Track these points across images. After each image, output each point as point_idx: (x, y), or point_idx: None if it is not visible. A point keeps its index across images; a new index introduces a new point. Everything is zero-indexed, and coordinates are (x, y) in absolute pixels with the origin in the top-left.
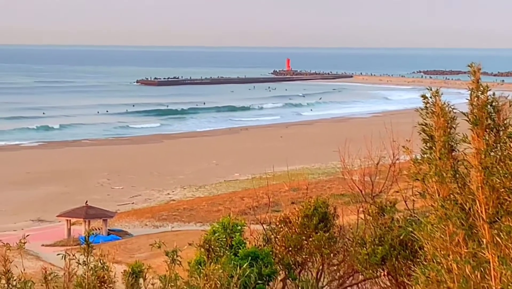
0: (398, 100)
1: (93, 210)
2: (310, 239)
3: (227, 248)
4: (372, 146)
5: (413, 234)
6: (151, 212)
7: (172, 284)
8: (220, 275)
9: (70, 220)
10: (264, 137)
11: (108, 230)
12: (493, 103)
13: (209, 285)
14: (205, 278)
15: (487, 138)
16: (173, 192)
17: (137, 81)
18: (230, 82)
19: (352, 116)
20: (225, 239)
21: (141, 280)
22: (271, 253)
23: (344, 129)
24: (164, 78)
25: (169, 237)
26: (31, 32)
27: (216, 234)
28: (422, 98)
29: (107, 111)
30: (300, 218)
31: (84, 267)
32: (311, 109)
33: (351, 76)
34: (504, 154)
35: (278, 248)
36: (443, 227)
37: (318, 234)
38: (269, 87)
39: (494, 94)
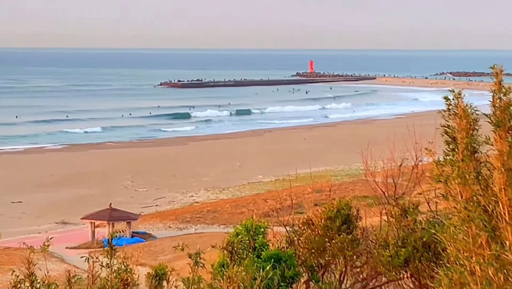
0: (421, 102)
1: (117, 212)
2: (333, 241)
3: (250, 250)
4: (395, 148)
5: (436, 236)
6: (174, 214)
7: (196, 286)
8: (243, 277)
9: (94, 222)
10: (288, 140)
11: (132, 232)
12: None
13: (232, 287)
14: (228, 280)
15: (509, 140)
16: (196, 194)
17: (161, 84)
18: (254, 84)
19: (375, 118)
20: (248, 241)
21: (164, 283)
22: (294, 255)
23: (367, 131)
24: (188, 81)
25: (192, 239)
26: (56, 35)
27: (239, 236)
28: (445, 100)
29: (130, 114)
30: (323, 220)
31: (108, 269)
32: (336, 109)
33: (374, 78)
34: None
35: (301, 250)
36: (466, 229)
37: (341, 236)
38: (293, 88)
39: None
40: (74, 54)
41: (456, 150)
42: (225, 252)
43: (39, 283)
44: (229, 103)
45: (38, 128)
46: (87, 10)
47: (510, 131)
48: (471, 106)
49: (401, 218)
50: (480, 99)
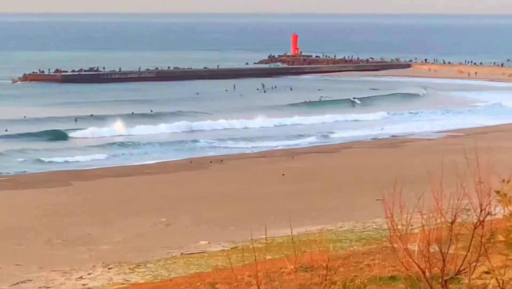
0: (490, 107)
1: None
2: None
3: None
4: (443, 191)
5: None
6: None
7: None
8: None
9: None
10: (253, 175)
11: None
12: None
13: None
14: None
15: None
16: (89, 274)
17: (25, 77)
18: (192, 78)
19: (409, 136)
20: None
21: None
22: None
23: (395, 160)
24: (74, 71)
25: None
26: None
27: None
28: None
29: None
30: None
31: None
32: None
33: (408, 66)
34: None
35: None
36: None
37: None
38: (262, 85)
39: None
40: None
41: None
42: None
43: None
44: (151, 111)
45: None
46: None
47: None
48: None
49: None
50: None
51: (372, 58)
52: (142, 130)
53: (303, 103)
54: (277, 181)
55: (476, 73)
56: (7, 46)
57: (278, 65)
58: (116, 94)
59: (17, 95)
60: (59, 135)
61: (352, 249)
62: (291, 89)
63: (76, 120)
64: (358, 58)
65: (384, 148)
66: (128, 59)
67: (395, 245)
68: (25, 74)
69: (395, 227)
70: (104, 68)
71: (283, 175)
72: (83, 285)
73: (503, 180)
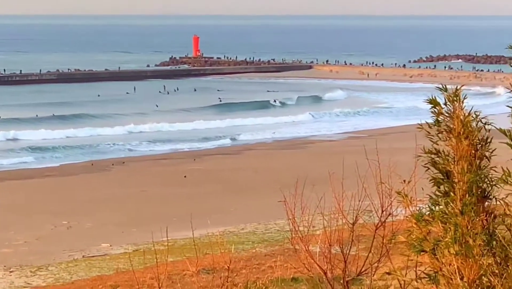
0: (391, 109)
1: None
2: None
3: None
4: (344, 192)
5: None
6: None
7: None
8: None
9: None
10: (155, 177)
11: None
12: None
13: None
14: None
15: None
16: None
17: None
18: (94, 80)
19: (311, 138)
20: None
21: None
22: None
23: (296, 161)
24: None
25: None
26: None
27: None
28: (431, 105)
29: None
30: None
31: None
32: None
33: (310, 67)
34: None
35: None
36: None
37: None
38: (164, 87)
39: None
40: None
41: (451, 194)
42: None
43: None
44: (54, 114)
45: None
46: None
47: None
48: (477, 115)
49: None
50: (494, 103)
51: (274, 60)
52: (45, 134)
53: (210, 107)
54: (178, 183)
55: (376, 74)
56: None
57: (179, 67)
58: (17, 98)
59: None
60: None
61: (254, 251)
62: (195, 90)
63: None
64: (260, 59)
65: (286, 150)
66: (29, 62)
67: (297, 247)
68: None
69: (297, 229)
70: (4, 70)
71: (184, 177)
72: None
73: (404, 181)
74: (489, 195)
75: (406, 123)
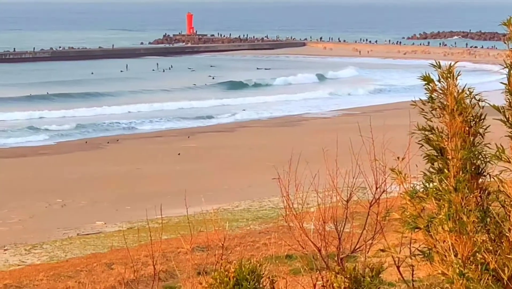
0: (385, 86)
1: None
2: None
3: None
4: (338, 169)
5: None
6: None
7: None
8: None
9: None
10: (147, 155)
11: None
12: None
13: None
14: None
15: None
16: None
17: None
18: (86, 57)
19: (304, 115)
20: None
21: None
22: None
23: (290, 138)
24: None
25: None
26: None
27: None
28: (424, 82)
29: None
30: None
31: None
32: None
33: (303, 45)
34: None
35: None
36: None
37: None
38: (157, 65)
39: None
40: None
41: (445, 170)
42: None
43: None
44: (48, 93)
45: None
46: None
47: None
48: (471, 92)
49: None
50: (488, 80)
51: (267, 37)
52: (41, 113)
53: (208, 85)
54: (173, 160)
55: (368, 51)
56: None
57: (173, 45)
58: (11, 76)
59: None
60: None
61: (248, 228)
62: (190, 69)
63: None
64: (253, 37)
65: (280, 127)
66: (23, 40)
67: (291, 224)
68: None
69: (291, 206)
70: None
71: (178, 154)
72: None
73: (398, 157)
74: (483, 172)
75: (400, 100)
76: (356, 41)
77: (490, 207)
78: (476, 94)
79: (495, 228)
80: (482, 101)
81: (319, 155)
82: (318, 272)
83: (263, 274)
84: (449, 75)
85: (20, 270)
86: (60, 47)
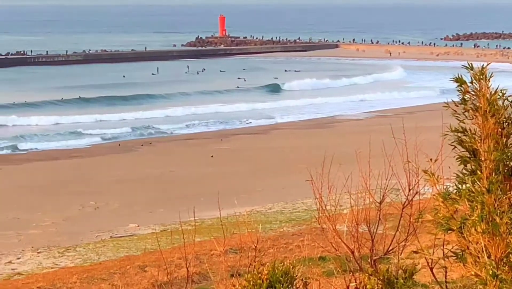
0: (418, 87)
1: None
2: None
3: None
4: (371, 171)
5: None
6: None
7: None
8: None
9: None
10: (181, 157)
11: None
12: None
13: None
14: None
15: None
16: (18, 259)
17: None
18: (118, 60)
19: (338, 117)
20: None
21: None
22: None
23: (323, 140)
24: (1, 55)
25: None
26: None
27: None
28: (457, 83)
29: None
30: None
31: None
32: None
33: (336, 46)
34: None
35: None
36: None
37: None
38: (188, 67)
39: None
40: None
41: (478, 172)
42: None
43: None
44: (80, 97)
45: None
46: None
47: None
48: (504, 94)
49: None
50: None
51: (300, 39)
52: (71, 118)
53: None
54: (206, 162)
55: (399, 53)
56: None
57: (206, 47)
58: (44, 78)
59: None
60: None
61: (281, 230)
62: (220, 71)
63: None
64: (286, 39)
65: (312, 129)
66: (53, 42)
67: (324, 226)
68: None
69: (324, 208)
70: (31, 51)
71: (212, 156)
72: (12, 269)
73: (431, 159)
74: None
75: (432, 102)
76: (388, 43)
77: None
78: (509, 96)
79: None
80: None
81: (352, 157)
82: (351, 274)
83: (296, 276)
84: (481, 76)
85: (53, 273)
86: (89, 50)
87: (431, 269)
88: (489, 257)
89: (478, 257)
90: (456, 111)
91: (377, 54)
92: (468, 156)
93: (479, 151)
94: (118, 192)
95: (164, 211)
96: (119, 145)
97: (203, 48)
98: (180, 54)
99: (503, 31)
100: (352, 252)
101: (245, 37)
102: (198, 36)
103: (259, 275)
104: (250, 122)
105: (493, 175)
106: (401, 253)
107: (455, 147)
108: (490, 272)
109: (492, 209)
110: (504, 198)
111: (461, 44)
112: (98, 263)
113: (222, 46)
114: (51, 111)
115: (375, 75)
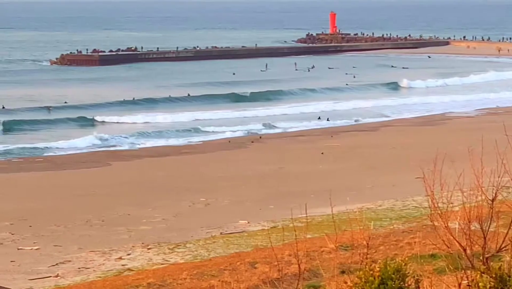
0: None
1: None
2: None
3: None
4: (483, 168)
5: None
6: None
7: None
8: None
9: None
10: (291, 154)
11: None
12: None
13: None
14: None
15: None
16: (129, 254)
17: (58, 59)
18: (228, 57)
19: (448, 113)
20: None
21: None
22: None
23: (434, 137)
24: (112, 52)
25: None
26: None
27: None
28: None
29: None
30: None
31: None
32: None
33: (447, 43)
34: None
35: None
36: None
37: None
38: (295, 64)
39: None
40: None
41: None
42: None
43: None
44: (189, 94)
45: None
46: None
47: None
48: None
49: None
50: None
51: (410, 36)
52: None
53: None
54: (316, 159)
55: (508, 50)
56: (43, 27)
57: (318, 44)
58: (154, 74)
59: (51, 80)
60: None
61: (392, 227)
62: (329, 68)
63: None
64: (397, 36)
65: (423, 126)
66: (163, 39)
67: (436, 223)
68: (62, 54)
69: (436, 205)
70: (142, 48)
71: (322, 153)
72: (123, 265)
73: None
74: None
75: None
76: (499, 40)
77: None
78: None
79: None
80: None
81: (464, 154)
82: (463, 271)
83: (408, 273)
84: None
85: (163, 269)
86: (207, 46)
87: None
88: None
89: None
90: None
91: (487, 51)
92: None
93: None
94: (228, 189)
95: (274, 208)
96: (229, 141)
97: (314, 45)
98: (290, 51)
99: None
100: (464, 250)
101: (356, 34)
102: (309, 33)
103: (371, 272)
104: (360, 120)
105: None
106: None
107: None
108: None
109: None
110: None
111: None
112: (208, 259)
113: (332, 43)
114: (166, 108)
115: (483, 74)
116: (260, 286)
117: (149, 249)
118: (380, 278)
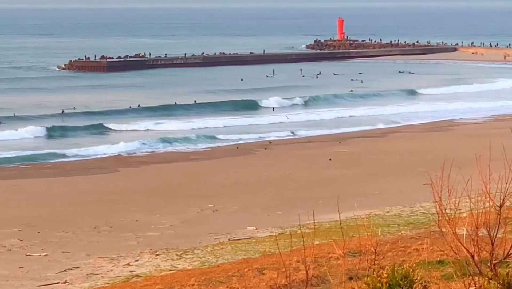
0: None
1: None
2: None
3: None
4: (491, 175)
5: None
6: None
7: None
8: None
9: None
10: (300, 160)
11: None
12: None
13: None
14: None
15: None
16: (137, 261)
17: (67, 65)
18: (236, 63)
19: (456, 120)
20: None
21: None
22: None
23: (442, 143)
24: (121, 58)
25: None
26: None
27: None
28: None
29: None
30: None
31: None
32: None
33: (455, 50)
34: None
35: None
36: None
37: None
38: (300, 70)
39: None
40: None
41: None
42: None
43: None
44: (195, 101)
45: None
46: None
47: None
48: None
49: None
50: None
51: (418, 42)
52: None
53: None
54: (324, 165)
55: None
56: (51, 33)
57: (324, 50)
58: (164, 81)
59: (63, 86)
60: (95, 129)
61: (400, 233)
62: (334, 74)
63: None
64: (404, 42)
65: (431, 132)
66: (171, 46)
67: (444, 229)
68: (70, 61)
69: (444, 211)
70: (150, 54)
71: (330, 159)
72: (131, 272)
73: None
74: None
75: None
76: (507, 46)
77: None
78: None
79: None
80: None
81: (471, 160)
82: (470, 277)
83: (416, 279)
84: None
85: (171, 275)
86: (216, 53)
87: None
88: None
89: None
90: None
91: (493, 58)
92: None
93: None
94: (235, 195)
95: (282, 214)
96: (237, 147)
97: (322, 51)
98: (299, 57)
99: None
100: (472, 256)
101: (364, 40)
102: (317, 39)
103: (379, 278)
104: (367, 125)
105: None
106: None
107: None
108: None
109: None
110: None
111: None
112: (216, 265)
113: (340, 49)
114: (177, 116)
115: (491, 80)
116: None
117: (157, 255)
118: (388, 284)
